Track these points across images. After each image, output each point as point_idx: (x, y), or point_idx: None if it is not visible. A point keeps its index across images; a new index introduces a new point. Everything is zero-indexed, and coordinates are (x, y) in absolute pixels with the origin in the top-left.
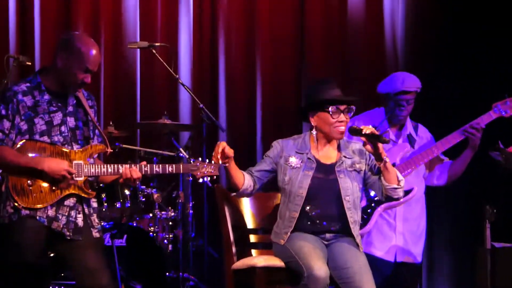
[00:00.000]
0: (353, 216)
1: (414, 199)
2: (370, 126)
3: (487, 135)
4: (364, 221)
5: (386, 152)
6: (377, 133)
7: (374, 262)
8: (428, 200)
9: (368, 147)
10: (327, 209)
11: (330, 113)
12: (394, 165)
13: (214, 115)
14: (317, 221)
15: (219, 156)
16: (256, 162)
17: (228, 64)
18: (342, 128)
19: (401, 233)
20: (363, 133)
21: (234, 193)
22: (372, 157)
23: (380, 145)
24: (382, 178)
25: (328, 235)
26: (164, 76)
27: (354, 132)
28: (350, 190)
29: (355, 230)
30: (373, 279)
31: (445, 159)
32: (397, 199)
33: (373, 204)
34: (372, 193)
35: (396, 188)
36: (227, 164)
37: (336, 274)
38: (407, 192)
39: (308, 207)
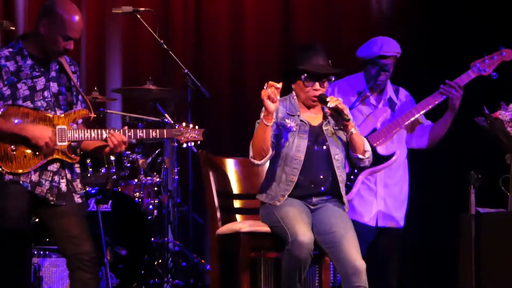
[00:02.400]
0: (342, 175)
1: (395, 164)
2: (336, 99)
3: (472, 101)
4: (348, 187)
5: (366, 118)
6: (341, 107)
7: (356, 227)
8: (412, 165)
9: (334, 117)
10: (319, 170)
11: (304, 81)
12: (375, 130)
13: (199, 81)
14: (307, 184)
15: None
16: (239, 130)
17: (214, 29)
18: (317, 93)
19: (382, 198)
20: (328, 105)
21: (260, 162)
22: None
23: (344, 116)
24: (349, 146)
25: (315, 199)
26: (149, 41)
27: (321, 101)
28: (338, 149)
29: (343, 189)
30: (358, 243)
31: (426, 121)
32: (362, 167)
33: (356, 171)
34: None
35: (361, 159)
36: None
37: (322, 239)
38: (388, 157)
39: (303, 171)
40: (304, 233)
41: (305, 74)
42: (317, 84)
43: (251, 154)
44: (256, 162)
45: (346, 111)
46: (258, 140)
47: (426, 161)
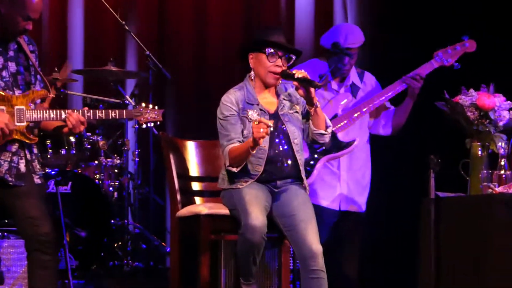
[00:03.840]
0: (302, 158)
1: (358, 148)
2: (302, 71)
3: (434, 85)
4: (308, 172)
5: (328, 103)
6: (309, 77)
7: (318, 211)
8: (375, 149)
9: (301, 91)
10: (282, 156)
11: (267, 54)
12: (336, 116)
13: (161, 62)
14: (271, 171)
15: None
16: (202, 112)
17: (177, 10)
18: (279, 70)
19: (346, 182)
20: (295, 77)
21: (238, 169)
22: (304, 102)
23: (312, 89)
24: (310, 122)
25: (279, 182)
26: (110, 22)
27: (286, 75)
28: (296, 132)
29: (303, 172)
30: (317, 228)
31: (390, 107)
32: (322, 144)
33: (316, 156)
34: (316, 145)
35: (323, 134)
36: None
37: (282, 221)
38: (349, 144)
39: (268, 159)
40: (256, 217)
41: (271, 48)
42: (279, 60)
43: (227, 163)
44: (234, 170)
45: (312, 90)
46: (240, 158)
47: (389, 145)
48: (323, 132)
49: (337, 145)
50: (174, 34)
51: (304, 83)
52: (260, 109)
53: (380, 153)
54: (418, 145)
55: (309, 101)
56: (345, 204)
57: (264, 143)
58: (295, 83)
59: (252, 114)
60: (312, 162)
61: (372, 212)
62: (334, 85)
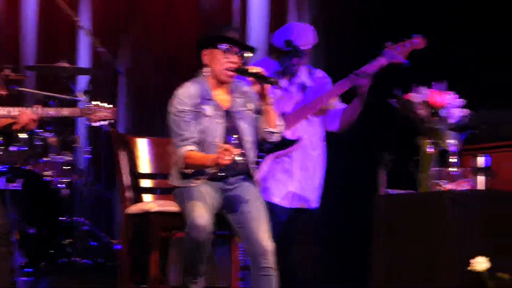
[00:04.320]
0: (252, 156)
1: (311, 146)
2: (258, 67)
3: (385, 82)
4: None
5: (277, 101)
6: (264, 73)
7: (271, 208)
8: (328, 146)
9: (256, 87)
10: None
11: (222, 50)
12: (284, 114)
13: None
14: (224, 168)
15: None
16: (155, 109)
17: (130, 7)
18: (234, 67)
19: (298, 179)
20: (250, 72)
21: (192, 171)
22: (257, 100)
23: (266, 86)
24: (261, 120)
25: (231, 179)
26: (63, 18)
27: (241, 71)
28: (248, 130)
29: (254, 170)
30: (269, 225)
31: (340, 105)
32: (271, 143)
33: (262, 154)
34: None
35: (272, 132)
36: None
37: (234, 218)
38: (294, 142)
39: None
40: (201, 216)
41: (226, 45)
42: (235, 56)
43: (181, 166)
44: (187, 171)
45: (266, 88)
46: (195, 169)
47: (344, 143)
48: (272, 130)
49: (283, 143)
50: (127, 31)
51: (260, 79)
52: (215, 105)
53: (334, 150)
54: (371, 143)
55: (263, 97)
56: (296, 201)
57: (217, 138)
58: (251, 78)
59: (206, 108)
60: (259, 160)
61: (326, 209)
62: (284, 83)
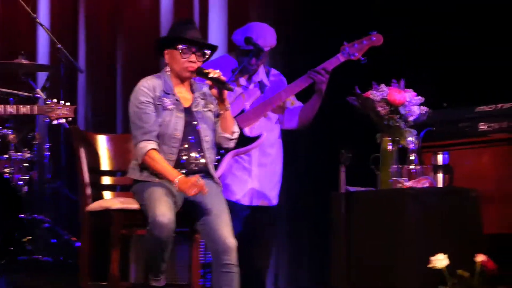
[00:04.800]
0: (210, 156)
1: (269, 144)
2: (218, 71)
3: (345, 80)
4: (214, 167)
5: (236, 98)
6: (223, 79)
7: (230, 206)
8: (286, 144)
9: (214, 91)
10: (193, 150)
11: (180, 51)
12: (243, 111)
13: (73, 56)
14: (184, 163)
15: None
16: (115, 104)
17: (90, 3)
18: (192, 69)
19: (257, 177)
20: (209, 76)
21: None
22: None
23: (224, 91)
24: (218, 124)
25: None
26: (22, 15)
27: (201, 73)
28: (207, 131)
29: (213, 169)
30: (231, 223)
31: (297, 103)
32: (226, 148)
33: (222, 151)
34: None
35: (229, 139)
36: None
37: (196, 215)
38: (254, 139)
39: (180, 150)
40: (163, 214)
41: (183, 44)
42: (193, 56)
43: (140, 161)
44: (142, 165)
45: (225, 93)
46: (153, 170)
47: (304, 140)
48: (228, 136)
49: (243, 140)
50: (87, 27)
51: (218, 84)
52: (176, 100)
53: (295, 148)
54: (331, 140)
55: (221, 102)
56: (256, 199)
57: (178, 131)
58: (209, 82)
59: (167, 101)
60: (218, 157)
61: (287, 206)
62: (242, 81)
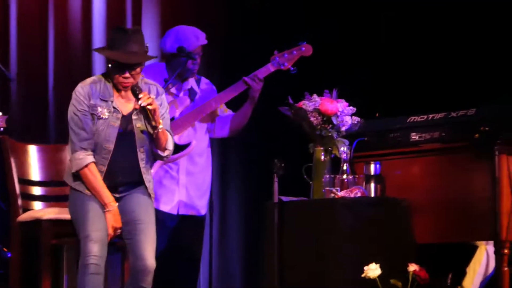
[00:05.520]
0: (146, 166)
1: (197, 153)
2: (151, 98)
3: (277, 90)
4: None
5: (173, 106)
6: (152, 108)
7: (158, 215)
8: (220, 153)
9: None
10: (126, 161)
11: (112, 67)
12: (173, 119)
13: (4, 64)
14: (114, 175)
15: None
16: (47, 113)
17: (21, 5)
18: (126, 84)
19: (185, 187)
20: (139, 102)
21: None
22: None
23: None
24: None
25: (121, 188)
26: None
27: (133, 93)
28: (144, 140)
29: (148, 179)
30: (155, 242)
31: (228, 111)
32: (161, 158)
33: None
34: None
35: (160, 156)
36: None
37: (123, 229)
38: (184, 147)
39: (111, 161)
40: (96, 230)
41: (112, 62)
42: (126, 72)
43: (75, 170)
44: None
45: (157, 113)
46: (86, 183)
47: (238, 150)
48: (160, 154)
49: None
50: (18, 32)
51: (144, 113)
52: (113, 107)
53: (228, 157)
54: (265, 150)
55: (153, 122)
56: (184, 208)
57: (109, 143)
58: (137, 106)
59: (102, 110)
60: None
61: (219, 216)
62: (173, 89)
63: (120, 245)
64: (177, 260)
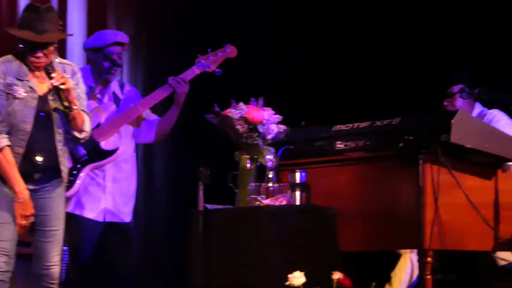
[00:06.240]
0: (63, 148)
1: (123, 159)
2: (65, 77)
3: (204, 98)
4: (71, 182)
5: (97, 113)
6: (65, 87)
7: (83, 223)
8: (147, 160)
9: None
10: (43, 143)
11: (22, 47)
12: (99, 125)
13: None
14: (31, 158)
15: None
16: None
17: None
18: (39, 64)
19: (111, 193)
20: (52, 82)
21: None
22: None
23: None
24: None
25: (36, 175)
26: None
27: (46, 73)
28: (60, 121)
29: (64, 164)
30: (62, 247)
31: (152, 116)
32: (82, 163)
33: (78, 166)
34: (79, 154)
35: (77, 137)
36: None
37: (33, 223)
38: (112, 152)
39: (29, 143)
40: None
41: (25, 43)
42: (38, 52)
43: None
44: None
45: (72, 93)
46: (1, 170)
47: (165, 157)
48: (77, 136)
49: (100, 154)
50: None
51: (57, 93)
52: (30, 87)
53: (153, 164)
54: (190, 157)
55: (67, 102)
56: (110, 215)
57: (27, 124)
58: (50, 86)
59: (18, 89)
60: (74, 172)
61: (146, 223)
62: (97, 94)
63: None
64: (102, 268)
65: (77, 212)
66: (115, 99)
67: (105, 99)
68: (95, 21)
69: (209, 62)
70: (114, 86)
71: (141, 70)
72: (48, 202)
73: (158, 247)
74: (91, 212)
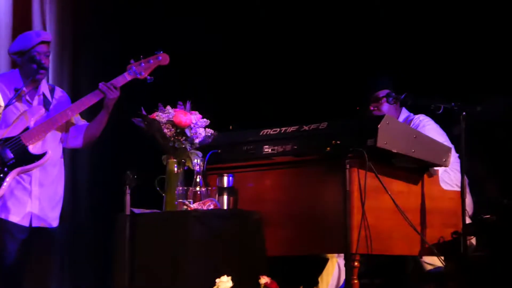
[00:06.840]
0: None
1: (50, 163)
2: None
3: (132, 101)
4: None
5: (21, 115)
6: None
7: (9, 227)
8: (73, 164)
9: None
10: None
11: None
12: (27, 128)
13: None
14: None
15: None
16: None
17: None
18: None
19: (37, 198)
20: None
21: None
22: None
23: None
24: None
25: None
26: None
27: None
28: None
29: None
30: None
31: (81, 121)
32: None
33: (5, 169)
34: (6, 157)
35: None
36: None
37: None
38: (40, 156)
39: None
40: None
41: None
42: None
43: None
44: None
45: None
46: None
47: (87, 161)
48: None
49: (28, 158)
50: None
51: None
52: None
53: (80, 169)
54: (118, 161)
55: None
56: (36, 220)
57: None
58: None
59: None
60: (1, 175)
61: (73, 227)
62: (27, 96)
63: None
64: (27, 273)
65: (2, 216)
66: (45, 102)
67: (35, 102)
68: (21, 23)
69: (141, 69)
70: (44, 87)
71: (66, 72)
72: None
73: (84, 252)
74: (16, 216)
